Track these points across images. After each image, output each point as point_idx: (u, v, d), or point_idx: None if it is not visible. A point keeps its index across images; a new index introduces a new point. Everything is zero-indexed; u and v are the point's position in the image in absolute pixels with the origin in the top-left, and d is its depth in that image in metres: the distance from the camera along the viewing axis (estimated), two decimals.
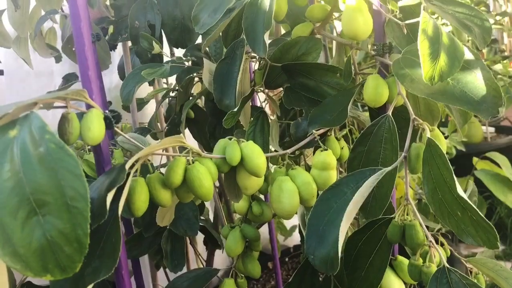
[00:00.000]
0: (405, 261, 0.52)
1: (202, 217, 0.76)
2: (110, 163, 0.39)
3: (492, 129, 2.55)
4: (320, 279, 0.59)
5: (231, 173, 0.47)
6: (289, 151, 0.48)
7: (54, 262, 0.26)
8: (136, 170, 0.41)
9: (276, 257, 0.96)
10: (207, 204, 0.84)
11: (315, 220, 0.39)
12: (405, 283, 0.52)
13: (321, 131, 0.49)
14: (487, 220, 0.34)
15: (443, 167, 0.37)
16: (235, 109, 0.50)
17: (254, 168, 0.43)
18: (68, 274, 0.27)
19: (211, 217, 0.82)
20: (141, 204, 0.40)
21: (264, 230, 1.52)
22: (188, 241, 0.79)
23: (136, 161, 0.37)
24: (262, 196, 0.64)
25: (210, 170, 0.42)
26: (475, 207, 0.34)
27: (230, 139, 0.44)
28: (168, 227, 0.69)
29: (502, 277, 0.40)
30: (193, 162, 0.41)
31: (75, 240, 0.26)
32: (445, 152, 0.36)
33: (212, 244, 0.75)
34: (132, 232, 0.72)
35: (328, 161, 0.47)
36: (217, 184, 0.78)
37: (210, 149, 0.68)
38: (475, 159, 1.45)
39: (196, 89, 0.84)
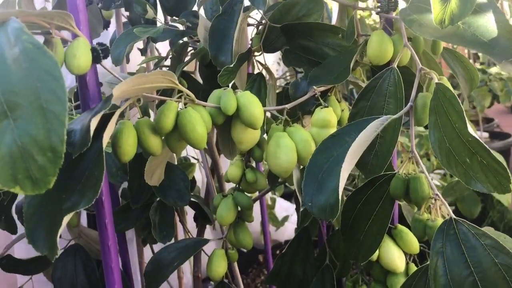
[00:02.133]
0: (405, 230, 0.50)
1: (193, 194, 0.73)
2: (97, 100, 0.36)
3: (486, 135, 2.56)
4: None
5: (225, 126, 0.44)
6: (287, 106, 0.45)
7: (24, 173, 0.23)
8: (124, 114, 0.38)
9: (269, 249, 0.93)
10: (198, 183, 0.81)
11: (314, 168, 0.37)
12: (405, 253, 0.50)
13: (322, 88, 0.47)
14: (499, 160, 0.32)
15: (452, 112, 0.34)
16: (231, 65, 0.48)
17: (251, 118, 0.40)
18: (41, 190, 0.24)
19: (202, 195, 0.79)
20: (128, 149, 0.37)
21: (254, 224, 1.50)
22: (178, 219, 0.76)
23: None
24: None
25: (203, 118, 0.39)
26: (486, 146, 0.32)
27: (225, 89, 0.42)
28: (157, 199, 0.66)
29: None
30: (185, 107, 0.38)
31: (49, 149, 0.23)
32: (458, 99, 0.34)
33: (203, 219, 0.72)
34: (119, 205, 0.69)
35: (328, 118, 0.45)
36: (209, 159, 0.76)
37: None
38: None
39: (190, 67, 0.82)
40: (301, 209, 0.35)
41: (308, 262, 0.56)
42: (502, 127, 3.17)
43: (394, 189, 0.38)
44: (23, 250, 0.78)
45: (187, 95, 0.39)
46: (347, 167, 0.34)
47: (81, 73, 0.33)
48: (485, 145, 0.32)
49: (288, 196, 1.63)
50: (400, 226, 0.50)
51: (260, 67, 0.62)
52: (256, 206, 0.97)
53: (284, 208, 1.57)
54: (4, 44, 0.24)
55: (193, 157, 0.84)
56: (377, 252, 0.49)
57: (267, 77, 0.58)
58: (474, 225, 0.33)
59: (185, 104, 0.39)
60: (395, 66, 0.42)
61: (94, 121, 0.29)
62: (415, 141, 1.13)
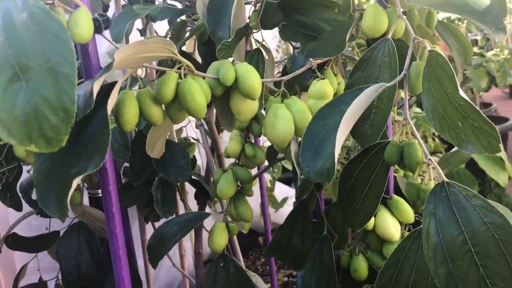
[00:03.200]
0: (400, 200, 0.51)
1: (193, 172, 0.74)
2: (98, 70, 0.37)
3: None
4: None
5: (224, 98, 0.45)
6: (285, 78, 0.46)
7: (38, 132, 0.24)
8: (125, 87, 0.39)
9: (269, 231, 0.95)
10: (198, 162, 0.83)
11: (310, 135, 0.38)
12: (400, 223, 0.51)
13: (319, 61, 0.47)
14: (489, 121, 0.33)
15: (444, 78, 0.35)
16: (229, 40, 0.48)
17: (249, 88, 0.41)
18: (54, 147, 0.25)
19: (202, 174, 0.81)
20: (130, 118, 0.38)
21: (254, 206, 1.51)
22: (179, 197, 0.78)
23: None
24: None
25: (203, 88, 0.40)
26: (477, 109, 0.33)
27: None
28: (158, 176, 0.67)
29: None
30: (185, 77, 0.39)
31: (61, 109, 0.24)
32: (449, 64, 0.35)
33: (204, 196, 0.74)
34: (121, 183, 0.70)
35: (324, 89, 0.46)
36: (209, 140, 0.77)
37: None
38: None
39: (189, 48, 0.83)
40: (299, 177, 0.37)
41: (306, 234, 0.57)
42: (500, 112, 3.18)
43: (389, 156, 0.39)
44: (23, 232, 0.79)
45: (186, 66, 0.40)
46: (343, 132, 0.35)
47: (83, 42, 0.34)
48: (476, 107, 0.33)
49: (287, 181, 1.65)
50: (395, 197, 0.51)
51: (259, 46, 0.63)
52: (256, 189, 0.99)
53: (283, 192, 1.59)
54: (12, 9, 0.25)
55: (193, 138, 0.85)
56: (373, 221, 0.51)
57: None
58: (465, 187, 0.35)
59: (184, 75, 0.40)
60: (390, 37, 0.43)
61: (97, 84, 0.30)
62: (412, 121, 1.14)
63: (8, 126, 0.24)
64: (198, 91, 0.39)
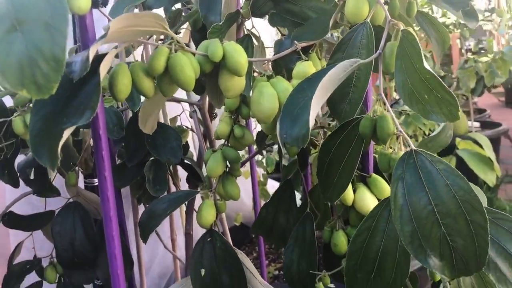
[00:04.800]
0: (379, 178, 0.54)
1: (186, 157, 0.77)
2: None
3: (477, 124, 2.61)
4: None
5: (213, 76, 0.48)
6: (271, 58, 0.49)
7: (30, 78, 0.27)
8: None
9: None
10: (191, 148, 0.85)
11: (290, 106, 0.41)
12: (378, 200, 0.54)
13: (304, 44, 0.51)
14: (450, 91, 0.36)
15: (413, 54, 0.38)
16: (220, 23, 0.51)
17: (236, 65, 0.44)
18: (44, 94, 0.28)
19: (194, 159, 0.84)
20: (124, 88, 0.41)
21: (247, 201, 1.54)
22: (171, 181, 0.80)
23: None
24: None
25: (192, 63, 0.43)
26: (440, 80, 0.36)
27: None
28: (151, 158, 0.70)
29: None
30: (176, 52, 0.42)
31: (52, 58, 0.27)
32: (418, 40, 0.38)
33: (195, 180, 0.76)
34: (115, 164, 0.73)
35: (308, 70, 0.49)
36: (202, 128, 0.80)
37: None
38: (457, 139, 1.48)
39: (184, 39, 0.86)
40: (279, 139, 0.39)
41: (290, 212, 0.60)
42: (495, 119, 3.22)
43: (363, 128, 0.42)
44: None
45: (177, 41, 0.43)
46: (317, 100, 0.38)
47: (81, 13, 0.36)
48: (439, 79, 0.36)
49: (279, 179, 1.67)
50: (374, 175, 0.54)
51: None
52: (248, 183, 1.02)
53: (275, 187, 1.62)
54: None
55: (186, 126, 0.88)
56: (352, 198, 0.53)
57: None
58: (431, 154, 0.38)
59: (175, 50, 0.43)
60: (368, 21, 0.46)
61: (93, 49, 0.33)
62: (400, 119, 1.17)
63: (3, 71, 0.27)
64: (187, 65, 0.42)
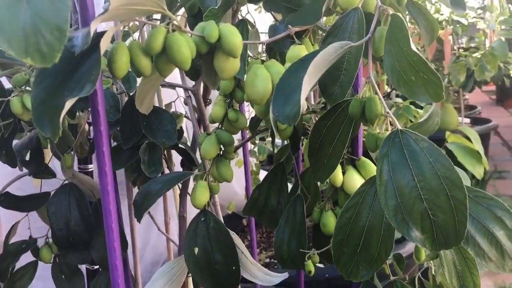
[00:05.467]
0: (367, 161, 0.56)
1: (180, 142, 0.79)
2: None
3: (467, 120, 2.64)
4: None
5: (209, 58, 0.49)
6: (265, 41, 0.51)
7: (35, 46, 0.28)
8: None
9: None
10: (185, 134, 0.87)
11: (282, 86, 0.42)
12: None
13: (297, 29, 0.52)
14: (436, 73, 0.38)
15: (402, 38, 0.40)
16: (216, 7, 0.53)
17: (231, 46, 0.46)
18: (47, 63, 0.29)
19: (189, 144, 0.85)
20: (122, 65, 0.42)
21: (239, 191, 1.56)
22: (165, 165, 0.82)
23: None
24: None
25: (188, 44, 0.45)
26: (426, 62, 0.38)
27: None
28: (146, 142, 0.71)
29: None
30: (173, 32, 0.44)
31: (56, 28, 0.28)
32: (406, 24, 0.40)
33: (189, 163, 0.78)
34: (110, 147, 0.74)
35: (301, 53, 0.50)
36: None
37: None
38: (447, 133, 1.51)
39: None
40: (271, 118, 0.41)
41: (282, 194, 0.62)
42: (485, 115, 3.27)
43: (353, 108, 0.44)
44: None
45: (174, 22, 0.44)
46: (309, 80, 0.39)
47: None
48: (426, 61, 0.38)
49: None
50: (363, 158, 0.56)
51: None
52: (241, 172, 1.04)
53: None
54: None
55: (181, 112, 0.89)
56: (342, 180, 0.55)
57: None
58: (416, 133, 0.39)
59: (173, 30, 0.44)
60: (360, 6, 0.48)
61: (94, 24, 0.34)
62: (392, 111, 1.19)
63: (9, 39, 0.28)
64: (184, 44, 0.43)
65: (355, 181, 0.55)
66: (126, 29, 0.74)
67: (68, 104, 0.34)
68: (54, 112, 0.34)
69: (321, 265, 0.58)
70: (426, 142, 0.38)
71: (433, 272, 0.55)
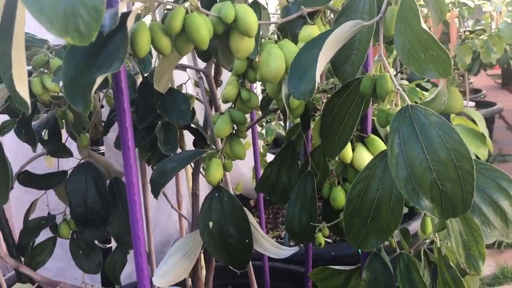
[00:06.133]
0: (376, 138, 0.58)
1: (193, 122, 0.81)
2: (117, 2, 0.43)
3: (472, 103, 2.65)
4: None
5: (224, 37, 0.51)
6: (278, 21, 0.52)
7: (74, 26, 0.30)
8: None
9: (260, 193, 1.02)
10: (197, 115, 0.89)
11: (297, 64, 0.44)
12: None
13: (309, 10, 0.54)
14: (444, 49, 0.39)
15: (412, 17, 0.42)
16: None
17: (247, 26, 0.47)
18: (86, 41, 0.31)
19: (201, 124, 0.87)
20: (144, 44, 0.44)
21: (247, 173, 1.58)
22: (178, 145, 0.84)
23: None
24: None
25: (206, 24, 0.46)
26: (436, 39, 0.39)
27: None
28: (160, 122, 0.73)
29: None
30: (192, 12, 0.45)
31: (93, 9, 0.30)
32: (416, 3, 0.42)
33: (202, 142, 0.80)
34: None
35: (314, 33, 0.52)
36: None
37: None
38: (452, 115, 1.52)
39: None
40: (284, 96, 0.43)
41: (292, 171, 0.64)
42: (490, 99, 3.27)
43: (364, 86, 0.46)
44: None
45: (192, 3, 0.46)
46: (323, 57, 0.41)
47: None
48: (435, 38, 0.40)
49: None
50: (372, 135, 0.58)
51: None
52: (249, 154, 1.06)
53: None
54: None
55: (192, 94, 0.91)
56: (351, 156, 0.57)
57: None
58: (425, 107, 0.41)
59: (191, 11, 0.46)
60: None
61: (121, 5, 0.36)
62: None
63: (51, 20, 0.30)
64: (202, 24, 0.45)
65: (364, 157, 0.57)
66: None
67: (99, 80, 0.36)
68: (86, 88, 0.36)
69: (329, 240, 0.61)
70: (435, 116, 0.40)
71: (438, 245, 0.58)
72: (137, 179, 0.48)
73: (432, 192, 0.40)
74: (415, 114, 0.41)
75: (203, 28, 0.45)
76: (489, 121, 2.41)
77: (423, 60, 0.41)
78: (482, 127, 1.45)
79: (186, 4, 0.46)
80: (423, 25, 0.40)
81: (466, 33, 2.12)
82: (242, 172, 1.49)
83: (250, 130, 1.00)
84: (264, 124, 1.37)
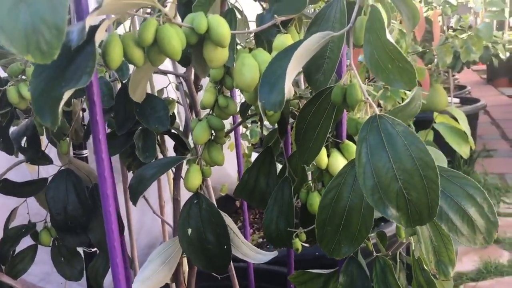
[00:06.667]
0: (350, 144, 0.59)
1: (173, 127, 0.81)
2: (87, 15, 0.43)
3: (456, 100, 2.68)
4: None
5: (199, 46, 0.52)
6: (252, 30, 0.53)
7: (35, 45, 0.30)
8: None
9: None
10: (177, 120, 0.89)
11: (268, 74, 0.45)
12: None
13: (283, 18, 0.54)
14: (409, 62, 0.40)
15: (379, 28, 0.43)
16: None
17: (219, 37, 0.48)
18: (47, 59, 0.31)
19: (181, 129, 0.88)
20: (116, 56, 0.45)
21: (232, 173, 1.59)
22: (159, 151, 0.84)
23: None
24: None
25: (178, 35, 0.47)
26: (401, 51, 0.40)
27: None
28: (139, 128, 0.74)
29: None
30: (163, 24, 0.46)
31: (54, 27, 0.30)
32: (384, 16, 0.42)
33: (182, 148, 0.80)
34: None
35: (287, 42, 0.52)
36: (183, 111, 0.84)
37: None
38: (435, 114, 1.54)
39: (170, 13, 0.88)
40: (260, 109, 0.44)
41: (270, 176, 0.65)
42: (475, 95, 3.32)
43: (335, 95, 0.47)
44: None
45: (165, 14, 0.46)
46: (292, 69, 0.42)
47: None
48: (400, 50, 0.40)
49: None
50: (347, 141, 0.59)
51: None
52: (233, 156, 1.07)
53: None
54: None
55: (172, 98, 0.92)
56: (326, 161, 0.58)
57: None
58: (393, 117, 0.42)
59: (163, 22, 0.46)
60: None
61: (88, 20, 0.37)
62: (379, 93, 1.21)
63: (11, 38, 0.30)
64: (174, 36, 0.45)
65: (339, 163, 0.58)
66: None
67: (66, 95, 0.36)
68: (54, 102, 0.36)
69: (306, 245, 0.62)
70: (401, 126, 0.41)
71: (413, 248, 0.59)
72: (112, 190, 0.48)
73: (398, 201, 0.40)
74: (382, 124, 0.42)
75: (175, 40, 0.45)
76: (473, 118, 2.44)
77: (390, 70, 0.42)
78: (464, 126, 1.47)
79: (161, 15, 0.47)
80: (389, 37, 0.40)
81: (449, 31, 2.15)
82: (228, 173, 1.50)
83: (233, 131, 1.00)
84: (248, 125, 1.38)
